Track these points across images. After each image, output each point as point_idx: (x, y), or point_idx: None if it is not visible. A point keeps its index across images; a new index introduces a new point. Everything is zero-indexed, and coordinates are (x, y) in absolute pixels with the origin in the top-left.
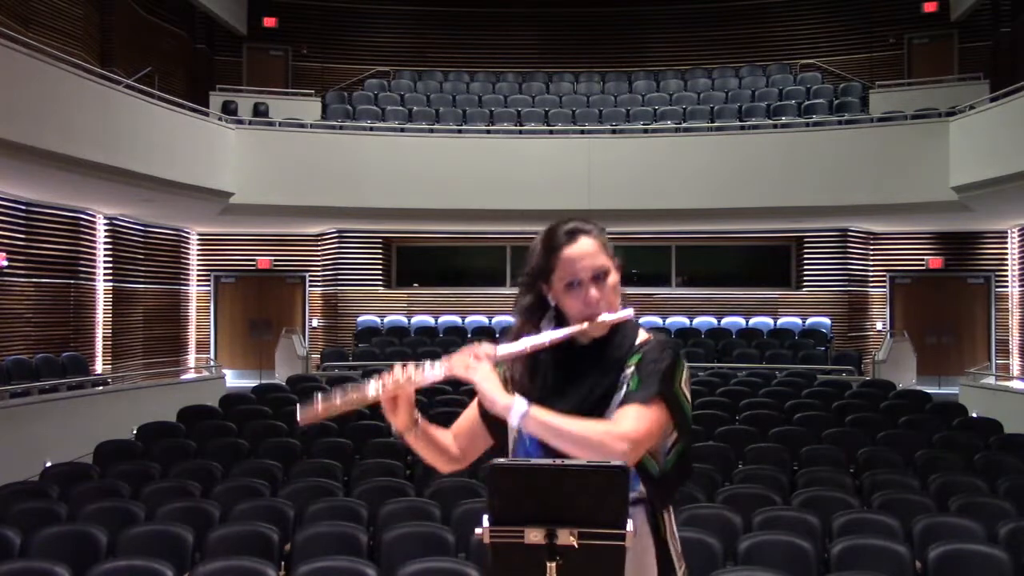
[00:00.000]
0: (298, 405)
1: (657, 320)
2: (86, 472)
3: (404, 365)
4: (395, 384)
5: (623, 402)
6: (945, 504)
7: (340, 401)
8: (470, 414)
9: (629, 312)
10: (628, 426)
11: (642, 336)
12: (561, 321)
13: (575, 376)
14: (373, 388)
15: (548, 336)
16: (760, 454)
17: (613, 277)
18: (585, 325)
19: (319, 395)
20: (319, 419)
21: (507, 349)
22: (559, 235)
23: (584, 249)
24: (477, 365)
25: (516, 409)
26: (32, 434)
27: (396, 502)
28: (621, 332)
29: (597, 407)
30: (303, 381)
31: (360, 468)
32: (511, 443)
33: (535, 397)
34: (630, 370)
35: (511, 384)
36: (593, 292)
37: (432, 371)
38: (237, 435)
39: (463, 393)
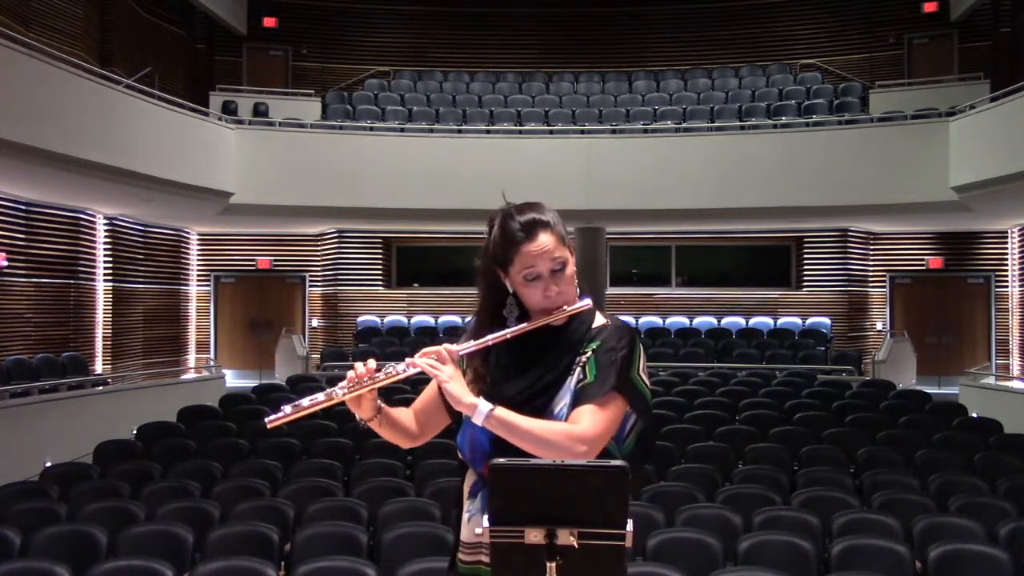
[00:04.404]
0: (266, 416)
1: (657, 320)
2: (86, 472)
3: (366, 364)
4: (359, 386)
5: (580, 394)
6: (945, 504)
7: (308, 404)
8: (430, 393)
9: (588, 302)
10: (585, 426)
11: (599, 320)
12: (522, 308)
13: (529, 360)
14: (339, 392)
15: (508, 331)
16: (760, 454)
17: (571, 267)
18: (545, 320)
19: (287, 404)
20: (288, 421)
21: (469, 347)
22: (517, 229)
23: (544, 245)
24: (442, 366)
25: (480, 410)
26: (32, 434)
27: (396, 502)
28: (577, 318)
29: (547, 391)
30: (303, 381)
31: (360, 468)
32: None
33: (489, 379)
34: (586, 356)
35: (467, 368)
36: (553, 288)
37: (396, 372)
38: (237, 435)
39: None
